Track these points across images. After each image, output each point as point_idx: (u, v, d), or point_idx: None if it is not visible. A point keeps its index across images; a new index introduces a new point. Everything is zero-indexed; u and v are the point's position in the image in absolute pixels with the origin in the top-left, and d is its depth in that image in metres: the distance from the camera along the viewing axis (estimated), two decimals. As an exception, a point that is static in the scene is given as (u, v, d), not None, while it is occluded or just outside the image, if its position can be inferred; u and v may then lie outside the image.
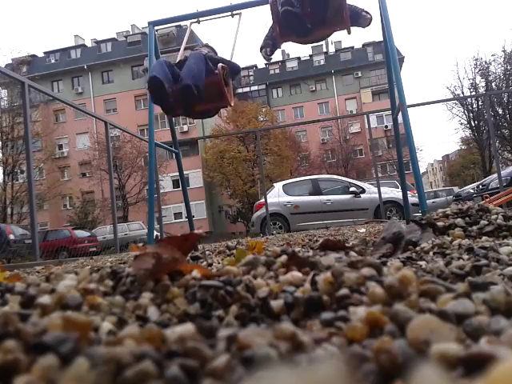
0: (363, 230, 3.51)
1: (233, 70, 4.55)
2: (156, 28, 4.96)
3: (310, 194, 10.40)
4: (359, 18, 4.32)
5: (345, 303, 0.55)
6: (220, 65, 4.18)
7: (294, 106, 41.63)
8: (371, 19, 4.35)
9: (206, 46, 4.94)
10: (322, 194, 10.27)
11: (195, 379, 0.36)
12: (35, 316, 0.51)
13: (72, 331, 0.42)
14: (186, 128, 33.17)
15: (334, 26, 4.32)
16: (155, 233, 5.71)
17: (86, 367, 0.35)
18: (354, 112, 37.19)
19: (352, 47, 43.23)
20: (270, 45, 4.53)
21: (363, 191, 10.04)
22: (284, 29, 4.21)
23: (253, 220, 10.53)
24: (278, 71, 44.87)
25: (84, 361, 0.36)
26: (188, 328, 0.45)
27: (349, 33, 4.28)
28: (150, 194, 4.83)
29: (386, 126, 35.55)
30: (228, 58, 4.58)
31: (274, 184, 11.26)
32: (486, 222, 1.43)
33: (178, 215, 30.95)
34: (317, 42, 4.71)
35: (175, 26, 34.64)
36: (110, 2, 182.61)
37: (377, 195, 9.12)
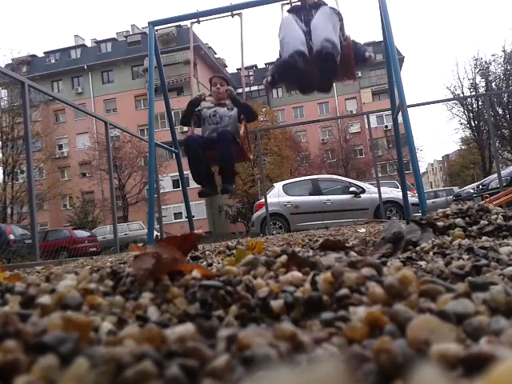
0: (363, 230, 3.51)
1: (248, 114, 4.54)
2: (156, 28, 4.95)
3: (310, 194, 10.40)
4: (362, 56, 4.05)
5: (345, 303, 0.55)
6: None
7: (294, 106, 41.59)
8: (372, 58, 4.09)
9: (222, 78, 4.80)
10: (322, 194, 10.27)
11: (195, 379, 0.36)
12: (35, 316, 0.51)
13: (72, 331, 0.42)
14: (185, 128, 33.17)
15: (337, 81, 4.25)
16: (155, 233, 5.71)
17: (85, 367, 0.35)
18: (354, 112, 37.18)
19: (352, 47, 43.16)
20: (269, 76, 4.11)
21: (363, 191, 10.04)
22: (281, 77, 3.92)
23: (253, 220, 10.52)
24: (278, 71, 44.82)
25: (84, 361, 0.36)
26: (188, 328, 0.45)
27: (354, 81, 4.25)
28: (149, 194, 4.82)
29: (386, 126, 35.56)
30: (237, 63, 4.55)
31: (274, 184, 11.25)
32: (486, 222, 1.42)
33: (177, 215, 30.95)
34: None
35: (175, 26, 34.65)
36: (110, 2, 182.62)
37: (377, 195, 9.12)
